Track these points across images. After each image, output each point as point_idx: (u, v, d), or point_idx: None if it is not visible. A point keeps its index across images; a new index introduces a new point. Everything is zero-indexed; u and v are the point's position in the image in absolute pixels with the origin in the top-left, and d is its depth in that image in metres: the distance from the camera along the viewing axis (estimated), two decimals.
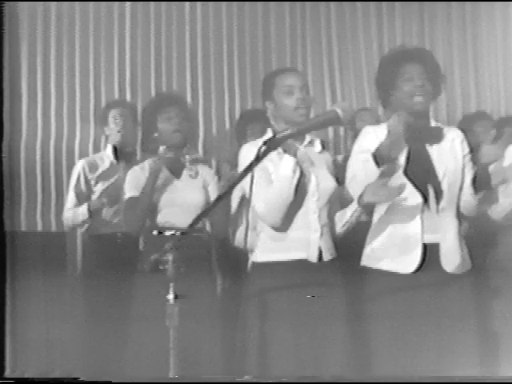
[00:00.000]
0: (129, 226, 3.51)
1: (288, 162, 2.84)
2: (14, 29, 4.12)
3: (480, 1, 5.09)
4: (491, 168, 2.99)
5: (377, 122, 3.81)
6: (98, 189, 3.98)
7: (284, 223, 2.90)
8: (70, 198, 4.00)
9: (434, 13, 5.29)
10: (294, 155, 2.85)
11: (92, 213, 3.90)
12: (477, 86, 5.29)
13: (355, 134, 3.30)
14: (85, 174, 4.00)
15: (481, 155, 2.93)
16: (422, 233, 2.85)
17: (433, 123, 2.98)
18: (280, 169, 2.85)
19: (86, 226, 4.00)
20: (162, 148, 3.45)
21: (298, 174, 2.85)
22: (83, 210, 3.91)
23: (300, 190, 2.88)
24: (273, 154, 2.72)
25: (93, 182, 3.99)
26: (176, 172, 3.51)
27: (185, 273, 2.46)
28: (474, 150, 2.98)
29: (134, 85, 4.80)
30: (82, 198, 3.97)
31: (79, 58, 4.74)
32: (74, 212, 3.95)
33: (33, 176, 4.56)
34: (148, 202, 3.37)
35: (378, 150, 2.77)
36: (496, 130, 3.31)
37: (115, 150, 4.05)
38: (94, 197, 3.97)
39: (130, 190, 3.45)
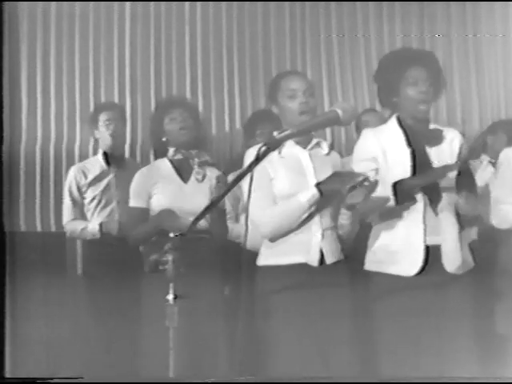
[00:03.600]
0: (131, 237, 3.47)
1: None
2: (13, 29, 4.12)
3: (480, 0, 5.09)
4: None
5: (381, 122, 3.80)
6: (89, 195, 3.97)
7: None
8: (67, 206, 3.99)
9: (433, 13, 5.28)
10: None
11: (104, 233, 3.87)
12: (477, 86, 5.29)
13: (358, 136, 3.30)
14: (77, 181, 3.99)
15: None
16: (425, 235, 2.85)
17: (431, 125, 2.98)
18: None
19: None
20: (171, 150, 3.46)
21: (313, 209, 2.83)
22: (93, 229, 3.89)
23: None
24: (274, 156, 2.73)
25: (84, 189, 3.98)
26: (185, 176, 3.47)
27: (185, 273, 2.46)
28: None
29: (133, 85, 4.80)
30: (77, 205, 3.97)
31: (79, 58, 4.73)
32: (81, 230, 3.92)
33: (32, 176, 4.55)
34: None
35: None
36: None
37: (105, 155, 4.04)
38: (87, 201, 3.96)
39: (134, 196, 3.41)
